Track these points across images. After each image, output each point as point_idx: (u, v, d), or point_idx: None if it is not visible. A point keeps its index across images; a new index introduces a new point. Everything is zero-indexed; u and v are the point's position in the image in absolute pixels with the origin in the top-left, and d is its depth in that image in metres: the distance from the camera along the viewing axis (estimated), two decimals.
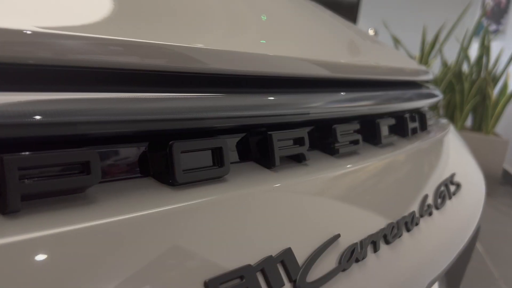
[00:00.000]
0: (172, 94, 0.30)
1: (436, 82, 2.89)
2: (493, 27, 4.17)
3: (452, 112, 2.93)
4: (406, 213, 0.48)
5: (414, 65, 0.73)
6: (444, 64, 2.94)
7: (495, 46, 3.56)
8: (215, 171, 0.32)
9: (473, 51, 3.07)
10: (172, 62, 0.30)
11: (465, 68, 2.95)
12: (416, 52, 3.04)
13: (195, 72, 0.33)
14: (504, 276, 1.69)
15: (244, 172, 0.35)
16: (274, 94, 0.37)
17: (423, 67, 0.75)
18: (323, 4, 0.82)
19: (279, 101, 0.36)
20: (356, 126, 0.47)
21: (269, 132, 0.36)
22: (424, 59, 2.94)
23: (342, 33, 0.66)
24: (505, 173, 3.21)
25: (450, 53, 3.43)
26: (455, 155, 0.73)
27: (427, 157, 0.62)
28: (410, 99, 0.60)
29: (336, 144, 0.45)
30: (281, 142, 0.38)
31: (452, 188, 0.61)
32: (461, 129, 2.85)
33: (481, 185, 0.76)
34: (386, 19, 3.90)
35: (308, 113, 0.40)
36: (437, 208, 0.55)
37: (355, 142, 0.47)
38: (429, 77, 0.74)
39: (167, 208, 0.27)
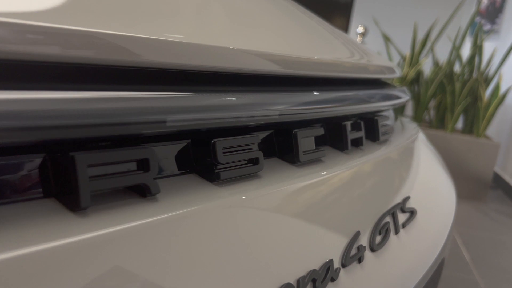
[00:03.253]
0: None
1: (427, 82, 2.89)
2: (487, 26, 4.20)
3: (442, 114, 2.93)
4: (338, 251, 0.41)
5: (380, 61, 0.70)
6: (436, 64, 2.94)
7: (489, 46, 3.59)
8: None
9: (466, 50, 3.08)
10: (103, 53, 0.27)
11: (457, 68, 2.95)
12: (407, 51, 3.03)
13: (122, 65, 0.29)
14: None
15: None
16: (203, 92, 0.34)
17: (388, 63, 0.72)
18: (317, 2, 0.78)
19: (211, 101, 0.33)
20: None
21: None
22: (414, 58, 2.94)
23: (303, 27, 0.63)
24: (496, 177, 3.23)
25: (443, 52, 3.44)
26: (415, 173, 0.63)
27: (370, 178, 0.50)
28: (357, 102, 0.51)
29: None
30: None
31: (403, 217, 0.51)
32: (451, 131, 2.86)
33: (449, 207, 0.67)
34: (379, 16, 3.91)
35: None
36: (373, 249, 0.42)
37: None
38: (395, 74, 0.71)
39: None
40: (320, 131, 0.45)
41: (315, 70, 0.48)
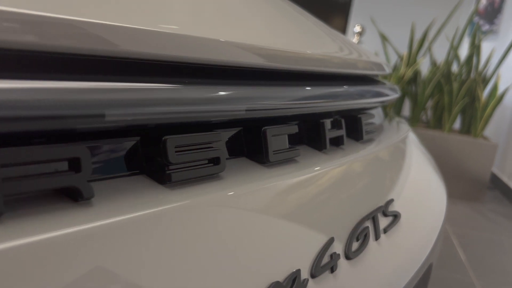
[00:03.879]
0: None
1: (424, 82, 2.85)
2: (486, 26, 4.17)
3: (440, 114, 2.90)
4: (308, 260, 0.36)
5: (368, 57, 0.66)
6: (433, 64, 2.90)
7: (488, 47, 3.55)
8: None
9: (465, 50, 3.04)
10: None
11: (455, 68, 2.91)
12: (405, 50, 3.00)
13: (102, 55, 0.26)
14: None
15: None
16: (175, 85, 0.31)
17: (377, 60, 0.68)
18: (316, 1, 0.75)
19: (158, 95, 0.29)
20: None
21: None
22: (412, 57, 2.90)
23: (288, 20, 0.59)
24: (494, 177, 3.20)
25: (441, 52, 3.40)
26: (401, 174, 0.58)
27: (350, 180, 0.46)
28: (338, 98, 0.48)
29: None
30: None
31: (385, 221, 0.46)
32: (449, 131, 2.82)
33: (439, 209, 0.62)
34: (377, 16, 3.87)
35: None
36: (349, 257, 0.38)
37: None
38: (384, 72, 0.67)
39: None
40: (294, 129, 0.41)
41: (294, 64, 0.44)
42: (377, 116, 0.70)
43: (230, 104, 0.34)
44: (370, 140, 0.55)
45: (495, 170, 3.26)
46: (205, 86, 0.32)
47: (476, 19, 4.39)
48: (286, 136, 0.41)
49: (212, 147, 0.33)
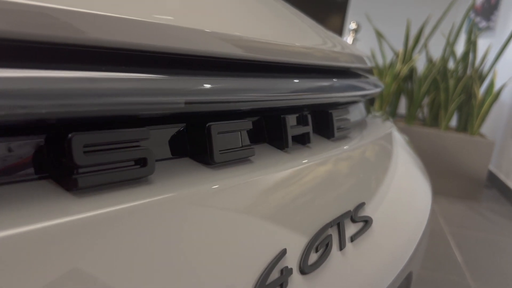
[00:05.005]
0: None
1: (420, 79, 2.80)
2: (483, 23, 4.12)
3: (436, 111, 2.85)
4: (252, 277, 0.32)
5: (348, 50, 0.61)
6: (430, 60, 2.85)
7: (484, 43, 3.50)
8: None
9: (461, 47, 2.99)
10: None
11: (451, 65, 2.86)
12: (401, 48, 2.94)
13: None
14: None
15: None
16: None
17: (357, 52, 0.63)
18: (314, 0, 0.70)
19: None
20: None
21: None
22: (407, 54, 2.85)
23: (264, 9, 0.54)
24: (491, 175, 3.15)
25: (437, 49, 3.35)
26: (377, 175, 0.52)
27: (314, 182, 0.40)
28: (302, 91, 0.43)
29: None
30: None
31: (353, 228, 0.40)
32: (445, 129, 2.77)
33: (421, 213, 0.56)
34: (373, 14, 3.83)
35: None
36: (304, 272, 0.33)
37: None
38: (365, 65, 0.62)
39: None
40: (246, 125, 0.36)
41: (260, 53, 0.39)
42: (357, 112, 0.65)
43: (163, 95, 0.29)
44: (343, 138, 0.50)
45: (492, 168, 3.21)
46: (126, 74, 0.27)
47: (472, 15, 4.33)
48: (239, 134, 0.36)
49: (137, 146, 0.28)
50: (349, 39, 3.01)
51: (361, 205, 0.43)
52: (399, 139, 0.68)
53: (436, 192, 2.71)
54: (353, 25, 3.02)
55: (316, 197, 0.38)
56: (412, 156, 0.68)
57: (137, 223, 0.26)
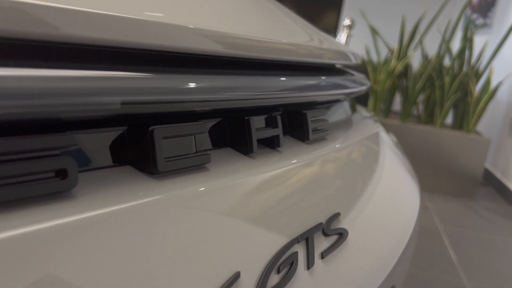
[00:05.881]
0: None
1: (415, 76, 2.75)
2: (479, 20, 4.07)
3: (432, 109, 2.80)
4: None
5: (332, 46, 0.56)
6: (425, 57, 2.80)
7: (481, 40, 3.45)
8: None
9: (457, 44, 2.95)
10: None
11: (447, 62, 2.82)
12: (396, 44, 2.90)
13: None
14: None
15: None
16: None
17: (341, 48, 0.59)
18: None
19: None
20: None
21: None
22: (402, 51, 2.80)
23: (242, 3, 0.49)
24: (487, 173, 3.11)
25: (433, 46, 3.30)
26: (357, 181, 0.47)
27: (280, 192, 0.36)
28: (269, 90, 0.38)
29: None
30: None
31: (325, 243, 0.35)
32: (441, 126, 2.72)
33: (406, 221, 0.50)
34: (368, 10, 3.78)
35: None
36: None
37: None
38: (349, 61, 0.57)
39: None
40: (200, 128, 0.32)
41: (227, 48, 0.35)
42: (340, 111, 0.61)
43: (88, 95, 0.24)
44: (320, 141, 0.46)
45: (488, 166, 3.17)
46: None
47: (469, 12, 4.29)
48: (192, 138, 0.32)
49: (54, 156, 0.23)
50: (343, 35, 2.96)
51: (335, 216, 0.38)
52: (385, 140, 0.63)
53: (432, 190, 2.67)
54: (347, 21, 2.96)
55: (282, 209, 0.34)
56: (399, 158, 0.63)
57: (47, 244, 0.21)
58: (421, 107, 2.90)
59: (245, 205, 0.31)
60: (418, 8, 3.84)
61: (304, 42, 0.53)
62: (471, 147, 2.60)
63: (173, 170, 0.29)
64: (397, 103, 3.18)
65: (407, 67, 2.79)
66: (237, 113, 0.38)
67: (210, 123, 0.36)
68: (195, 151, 0.32)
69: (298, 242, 0.33)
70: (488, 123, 3.27)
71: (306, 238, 0.33)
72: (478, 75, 2.67)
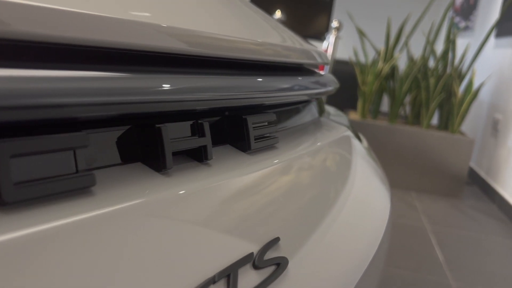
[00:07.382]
0: None
1: (402, 78, 2.68)
2: (462, 23, 4.01)
3: (418, 110, 2.73)
4: None
5: (296, 44, 0.48)
6: (411, 59, 2.73)
7: (464, 43, 3.39)
8: None
9: (441, 46, 2.88)
10: None
11: (432, 64, 2.75)
12: (383, 45, 2.82)
13: None
14: None
15: None
16: None
17: (306, 46, 0.50)
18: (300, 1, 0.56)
19: None
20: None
21: None
22: (389, 52, 2.73)
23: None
24: (472, 172, 3.04)
25: (419, 48, 3.23)
26: (310, 198, 0.39)
27: (199, 217, 0.28)
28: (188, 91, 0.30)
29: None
30: None
31: (255, 278, 0.27)
32: (427, 127, 2.65)
33: (369, 242, 0.41)
34: (357, 13, 3.71)
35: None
36: None
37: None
38: (314, 60, 0.49)
39: None
40: (79, 140, 0.23)
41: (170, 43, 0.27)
42: (300, 114, 0.52)
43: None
44: (266, 150, 0.37)
45: (473, 165, 3.11)
46: None
47: (452, 15, 4.23)
48: (72, 153, 0.23)
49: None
50: (331, 37, 2.88)
51: (272, 242, 0.30)
52: (352, 145, 0.55)
53: (420, 189, 2.59)
54: (335, 23, 2.89)
55: (197, 241, 0.25)
56: (369, 166, 0.54)
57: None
58: (408, 108, 2.82)
59: (147, 238, 0.23)
60: (403, 10, 3.77)
61: (265, 40, 0.45)
62: (456, 147, 2.54)
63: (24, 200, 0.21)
64: (385, 105, 3.11)
65: (393, 69, 2.72)
66: (151, 119, 0.30)
67: (111, 133, 0.27)
68: (75, 171, 0.23)
69: (214, 282, 0.24)
70: (472, 123, 3.20)
71: (228, 275, 0.25)
72: (461, 77, 2.61)
